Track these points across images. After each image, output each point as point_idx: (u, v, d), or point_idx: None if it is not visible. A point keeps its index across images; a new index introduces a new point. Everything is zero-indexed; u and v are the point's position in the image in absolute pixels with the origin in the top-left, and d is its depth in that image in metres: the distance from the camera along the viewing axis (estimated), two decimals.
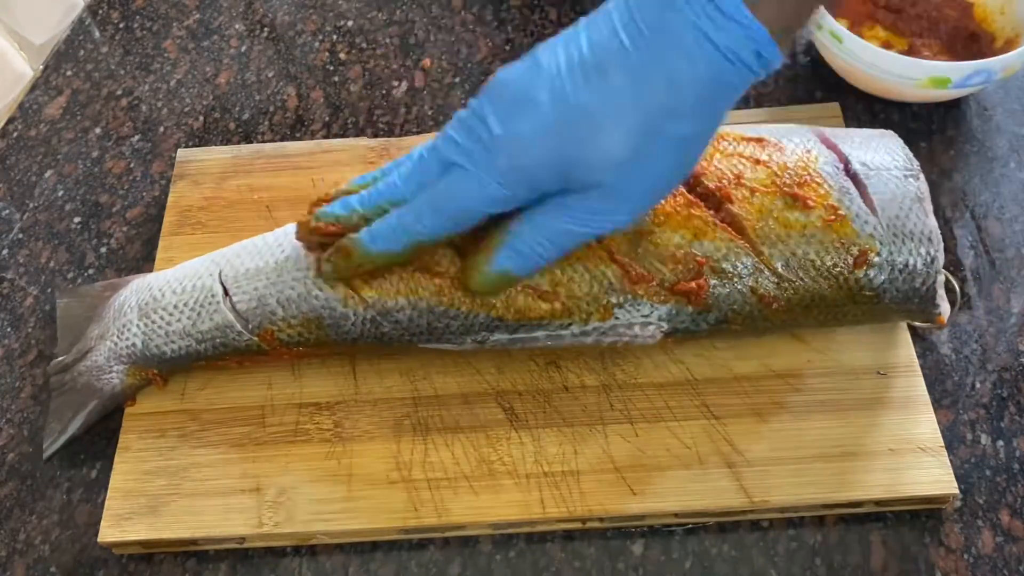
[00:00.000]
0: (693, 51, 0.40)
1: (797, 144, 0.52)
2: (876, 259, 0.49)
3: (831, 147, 0.52)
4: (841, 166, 0.51)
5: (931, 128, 0.64)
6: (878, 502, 0.48)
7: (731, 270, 0.48)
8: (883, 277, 0.49)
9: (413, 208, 0.45)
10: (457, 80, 0.70)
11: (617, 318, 0.49)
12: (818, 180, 0.50)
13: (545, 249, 0.45)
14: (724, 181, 0.50)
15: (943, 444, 0.49)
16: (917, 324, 0.54)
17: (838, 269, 0.49)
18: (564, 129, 0.42)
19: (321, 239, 0.48)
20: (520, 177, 0.43)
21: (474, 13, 0.75)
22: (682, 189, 0.50)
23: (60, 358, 0.55)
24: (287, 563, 0.50)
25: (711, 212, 0.49)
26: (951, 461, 0.49)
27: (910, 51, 0.65)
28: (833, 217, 0.49)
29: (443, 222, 0.45)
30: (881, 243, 0.49)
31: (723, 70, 0.41)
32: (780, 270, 0.49)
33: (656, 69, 0.41)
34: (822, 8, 0.61)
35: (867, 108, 0.65)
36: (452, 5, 0.76)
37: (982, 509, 0.49)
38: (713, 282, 0.48)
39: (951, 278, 0.55)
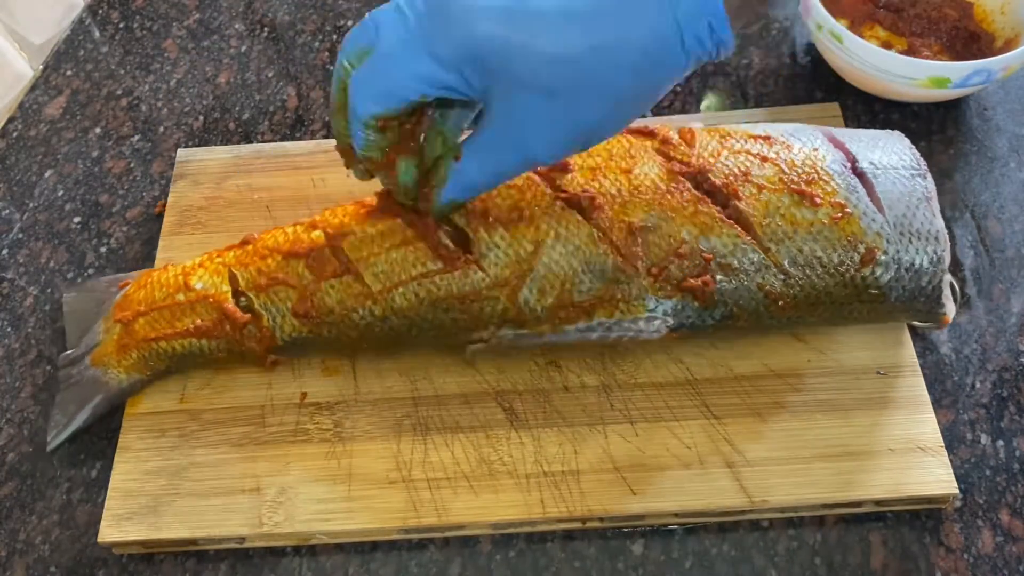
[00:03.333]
0: (651, 14, 0.40)
1: (804, 142, 0.52)
2: (883, 257, 0.49)
3: (838, 146, 0.52)
4: (848, 164, 0.51)
5: (931, 128, 0.64)
6: (878, 502, 0.48)
7: (738, 266, 0.48)
8: (889, 275, 0.49)
9: (358, 76, 0.44)
10: None
11: (622, 313, 0.49)
12: (825, 178, 0.50)
13: (483, 179, 0.47)
14: (731, 178, 0.50)
15: (943, 444, 0.49)
16: (918, 324, 0.54)
17: (844, 267, 0.49)
18: (515, 19, 0.41)
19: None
20: (458, 55, 0.42)
21: None
22: (688, 185, 0.50)
23: (69, 351, 0.55)
24: (287, 563, 0.50)
25: (718, 208, 0.49)
26: (951, 461, 0.49)
27: (910, 51, 0.65)
28: (840, 215, 0.49)
29: (380, 97, 0.44)
30: (888, 241, 0.49)
31: (670, 43, 0.41)
32: (787, 267, 0.49)
33: (614, 15, 0.41)
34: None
35: (867, 108, 0.65)
36: None
37: (982, 509, 0.49)
38: (719, 278, 0.48)
39: (952, 278, 0.55)
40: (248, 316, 0.51)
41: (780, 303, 0.49)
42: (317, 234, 0.52)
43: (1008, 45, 0.63)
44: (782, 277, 0.49)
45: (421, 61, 0.42)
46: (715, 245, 0.49)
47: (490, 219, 0.50)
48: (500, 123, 0.44)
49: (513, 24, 0.41)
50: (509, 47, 0.41)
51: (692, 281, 0.48)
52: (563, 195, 0.50)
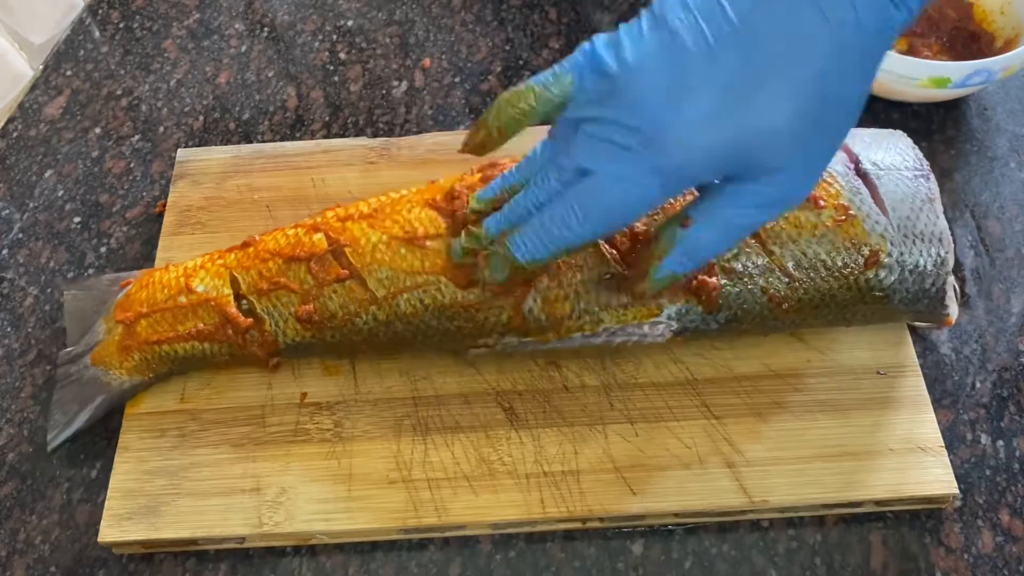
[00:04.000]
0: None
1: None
2: (886, 260, 0.49)
3: (841, 146, 0.52)
4: (852, 166, 0.51)
5: (931, 128, 0.64)
6: (878, 502, 0.48)
7: (741, 270, 0.48)
8: (893, 278, 0.49)
9: (557, 213, 0.42)
10: (457, 80, 0.70)
11: (630, 316, 0.49)
12: (829, 180, 0.50)
13: (716, 247, 0.43)
14: None
15: (943, 444, 0.49)
16: (920, 325, 0.54)
17: (848, 269, 0.49)
18: (728, 114, 0.38)
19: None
20: (683, 175, 0.40)
21: (474, 13, 0.75)
22: (692, 189, 0.50)
23: (70, 348, 0.54)
24: (287, 563, 0.50)
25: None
26: (951, 461, 0.49)
27: (910, 51, 0.65)
28: (844, 217, 0.49)
29: (593, 228, 0.42)
30: (891, 244, 0.49)
31: (888, 15, 0.37)
32: (791, 270, 0.49)
33: (818, 26, 0.37)
34: None
35: (867, 108, 0.65)
36: (452, 5, 0.76)
37: (982, 509, 0.49)
38: (723, 282, 0.48)
39: (952, 279, 0.55)
40: (250, 320, 0.51)
41: (784, 306, 0.49)
42: (319, 237, 0.52)
43: (1008, 45, 0.63)
44: (786, 280, 0.49)
45: (646, 189, 0.40)
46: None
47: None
48: (739, 191, 0.41)
49: (732, 127, 0.38)
50: (733, 151, 0.39)
51: (696, 285, 0.48)
52: None
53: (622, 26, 0.40)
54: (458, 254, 0.48)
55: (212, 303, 0.52)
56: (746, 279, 0.49)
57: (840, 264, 0.49)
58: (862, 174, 0.51)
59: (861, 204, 0.49)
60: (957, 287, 0.54)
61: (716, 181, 0.41)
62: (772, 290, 0.49)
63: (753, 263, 0.48)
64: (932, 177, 0.51)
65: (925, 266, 0.49)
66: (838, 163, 0.51)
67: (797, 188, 0.41)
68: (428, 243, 0.50)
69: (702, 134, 0.39)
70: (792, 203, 0.42)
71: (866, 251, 0.49)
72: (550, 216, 0.43)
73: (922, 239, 0.49)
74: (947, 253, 0.49)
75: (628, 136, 0.39)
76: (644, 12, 0.40)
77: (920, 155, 0.52)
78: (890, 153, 0.52)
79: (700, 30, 0.38)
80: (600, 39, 0.41)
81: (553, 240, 0.43)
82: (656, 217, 0.49)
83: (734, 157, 0.39)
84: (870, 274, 0.49)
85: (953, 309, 0.51)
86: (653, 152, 0.39)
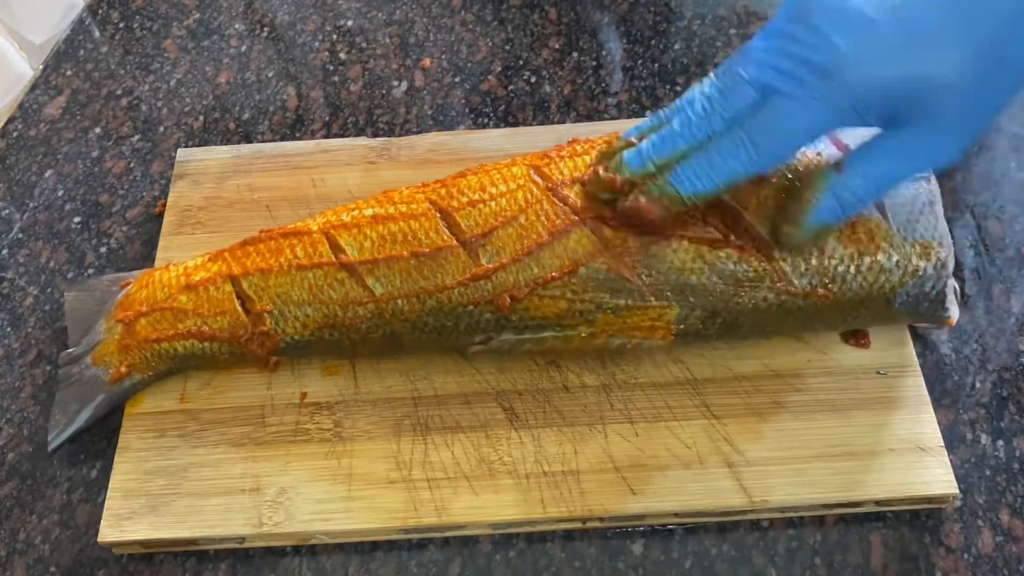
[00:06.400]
0: None
1: (807, 146, 0.51)
2: (887, 263, 0.49)
3: (841, 148, 0.52)
4: None
5: None
6: (878, 502, 0.48)
7: (742, 276, 0.48)
8: (894, 281, 0.49)
9: (725, 145, 0.42)
10: (457, 80, 0.70)
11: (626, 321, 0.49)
12: None
13: (868, 195, 0.44)
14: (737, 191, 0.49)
15: (943, 444, 0.49)
16: (920, 325, 0.54)
17: (849, 274, 0.48)
18: (905, 51, 0.39)
19: (610, 195, 0.47)
20: (855, 105, 0.41)
21: (474, 13, 0.75)
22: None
23: (71, 349, 0.55)
24: (287, 563, 0.50)
25: (723, 224, 0.49)
26: (951, 461, 0.49)
27: None
28: None
29: (762, 158, 0.43)
30: (892, 247, 0.49)
31: None
32: (791, 277, 0.48)
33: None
34: None
35: None
36: (452, 5, 0.76)
37: (982, 509, 0.49)
38: (721, 287, 0.48)
39: (953, 280, 0.55)
40: (250, 318, 0.51)
41: (786, 307, 0.49)
42: (319, 237, 0.52)
43: None
44: (787, 286, 0.49)
45: (818, 116, 0.41)
46: (720, 257, 0.48)
47: (494, 226, 0.49)
48: (897, 138, 0.42)
49: (911, 68, 0.40)
50: (904, 91, 0.40)
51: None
52: (569, 206, 0.50)
53: None
54: (598, 191, 0.47)
55: (212, 301, 0.52)
56: (747, 286, 0.48)
57: (840, 270, 0.48)
58: None
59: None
60: (957, 288, 0.54)
61: (873, 129, 0.43)
62: (773, 296, 0.49)
63: (754, 271, 0.48)
64: (933, 180, 0.51)
65: (925, 269, 0.49)
66: None
67: (952, 143, 0.42)
68: (424, 241, 0.50)
69: (873, 70, 0.40)
70: (944, 159, 0.43)
71: (867, 255, 0.48)
72: (717, 149, 0.43)
73: (922, 242, 0.49)
74: (947, 256, 0.49)
75: (807, 63, 0.40)
76: None
77: None
78: None
79: None
80: None
81: (721, 173, 0.43)
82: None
83: (895, 96, 0.40)
84: (871, 278, 0.49)
85: (954, 311, 0.51)
86: (827, 82, 0.40)
